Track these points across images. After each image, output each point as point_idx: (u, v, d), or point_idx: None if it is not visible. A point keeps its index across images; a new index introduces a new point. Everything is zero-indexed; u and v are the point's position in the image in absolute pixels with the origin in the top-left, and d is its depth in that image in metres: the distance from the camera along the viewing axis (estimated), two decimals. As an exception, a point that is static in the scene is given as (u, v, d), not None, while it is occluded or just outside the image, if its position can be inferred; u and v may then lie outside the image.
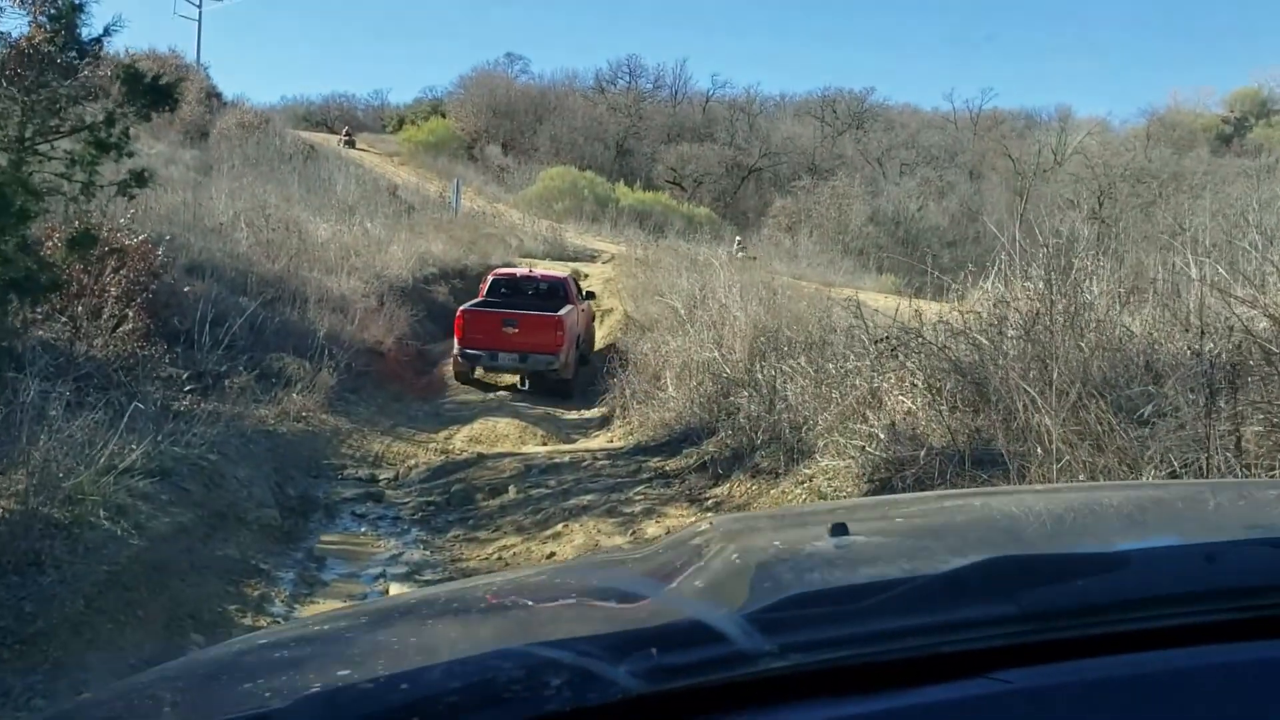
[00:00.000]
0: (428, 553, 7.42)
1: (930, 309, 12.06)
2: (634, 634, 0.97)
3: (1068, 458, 4.53)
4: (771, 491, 6.96)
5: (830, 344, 8.36)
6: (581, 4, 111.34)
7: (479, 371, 16.27)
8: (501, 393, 16.32)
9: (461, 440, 12.96)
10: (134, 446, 6.57)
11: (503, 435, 13.37)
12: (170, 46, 45.84)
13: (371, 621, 1.38)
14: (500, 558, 7.04)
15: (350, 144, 46.39)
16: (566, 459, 10.11)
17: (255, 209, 21.67)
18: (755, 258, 28.04)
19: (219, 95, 44.16)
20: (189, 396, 11.20)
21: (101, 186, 9.77)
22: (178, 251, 15.93)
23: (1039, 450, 4.78)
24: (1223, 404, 5.14)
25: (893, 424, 5.98)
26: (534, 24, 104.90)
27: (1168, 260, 8.77)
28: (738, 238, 34.45)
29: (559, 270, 19.86)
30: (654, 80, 66.04)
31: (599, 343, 19.10)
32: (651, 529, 7.00)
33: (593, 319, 19.20)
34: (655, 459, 9.40)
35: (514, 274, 18.26)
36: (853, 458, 6.24)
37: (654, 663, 0.89)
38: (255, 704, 0.95)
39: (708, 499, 7.55)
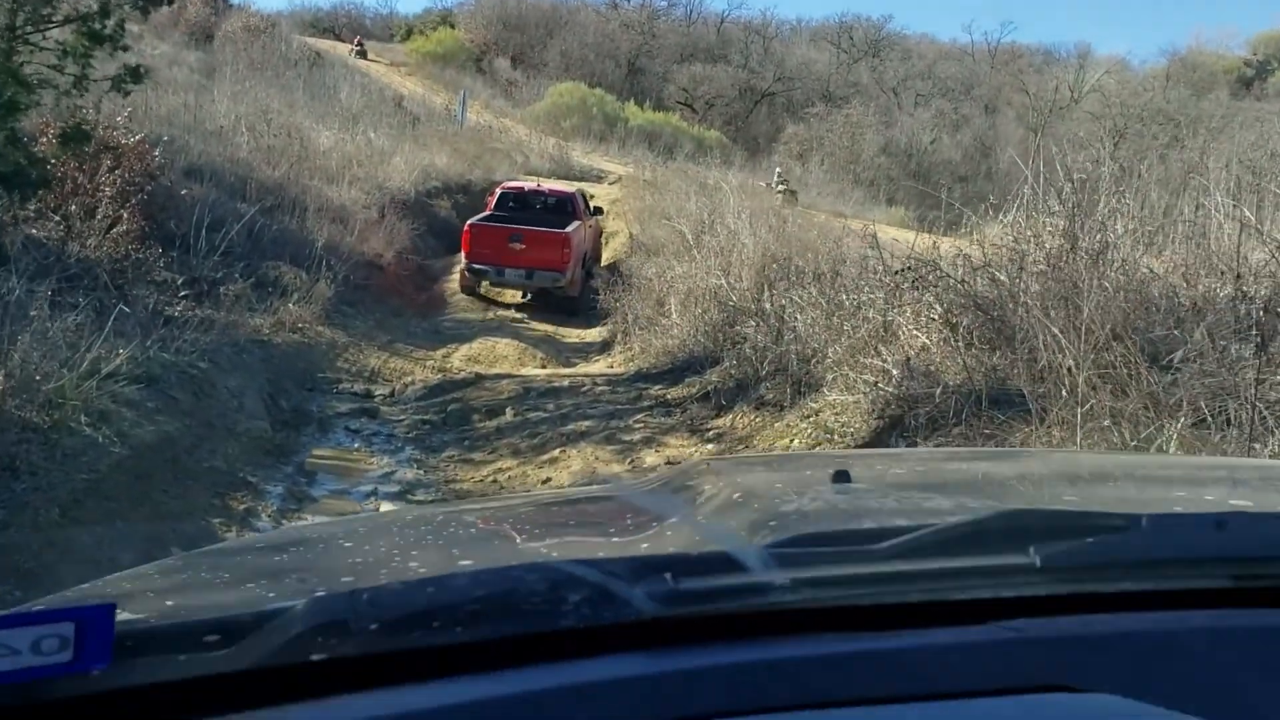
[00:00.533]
0: (421, 472, 7.25)
1: (943, 243, 11.78)
2: (653, 559, 0.99)
3: (1091, 401, 4.32)
4: (775, 424, 6.76)
5: (842, 275, 8.09)
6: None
7: (484, 286, 16.32)
8: (503, 311, 16.09)
9: (460, 359, 12.75)
10: (120, 351, 6.34)
11: (502, 356, 13.16)
12: (176, -56, 44.62)
13: (404, 527, 1.44)
14: (495, 480, 6.87)
15: (362, 54, 45.20)
16: (566, 383, 9.91)
17: (257, 114, 21.19)
18: (796, 192, 25.48)
19: (226, -2, 43.15)
20: (183, 302, 10.98)
21: (95, 81, 9.43)
22: (176, 154, 15.54)
23: (1062, 392, 4.56)
24: (1253, 351, 4.92)
25: (907, 360, 5.75)
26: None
27: (1193, 201, 8.48)
28: (778, 169, 30.87)
29: (567, 186, 19.63)
30: (669, -1, 64.48)
31: (604, 261, 18.94)
32: (650, 458, 6.82)
33: (600, 235, 19.11)
34: (656, 387, 9.19)
35: (522, 188, 18.07)
36: (862, 393, 6.03)
37: (670, 587, 0.89)
38: (288, 593, 0.96)
39: (709, 430, 7.36)
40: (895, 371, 5.90)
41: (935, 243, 8.76)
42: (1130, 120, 54.17)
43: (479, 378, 10.67)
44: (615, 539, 1.25)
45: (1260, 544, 1.03)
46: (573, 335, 15.66)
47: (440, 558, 1.20)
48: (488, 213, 17.16)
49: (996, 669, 0.88)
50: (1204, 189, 8.34)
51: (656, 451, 7.02)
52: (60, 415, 5.29)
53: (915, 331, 6.22)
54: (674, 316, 11.34)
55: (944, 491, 1.41)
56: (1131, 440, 4.21)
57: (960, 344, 5.85)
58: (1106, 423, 4.27)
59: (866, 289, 7.12)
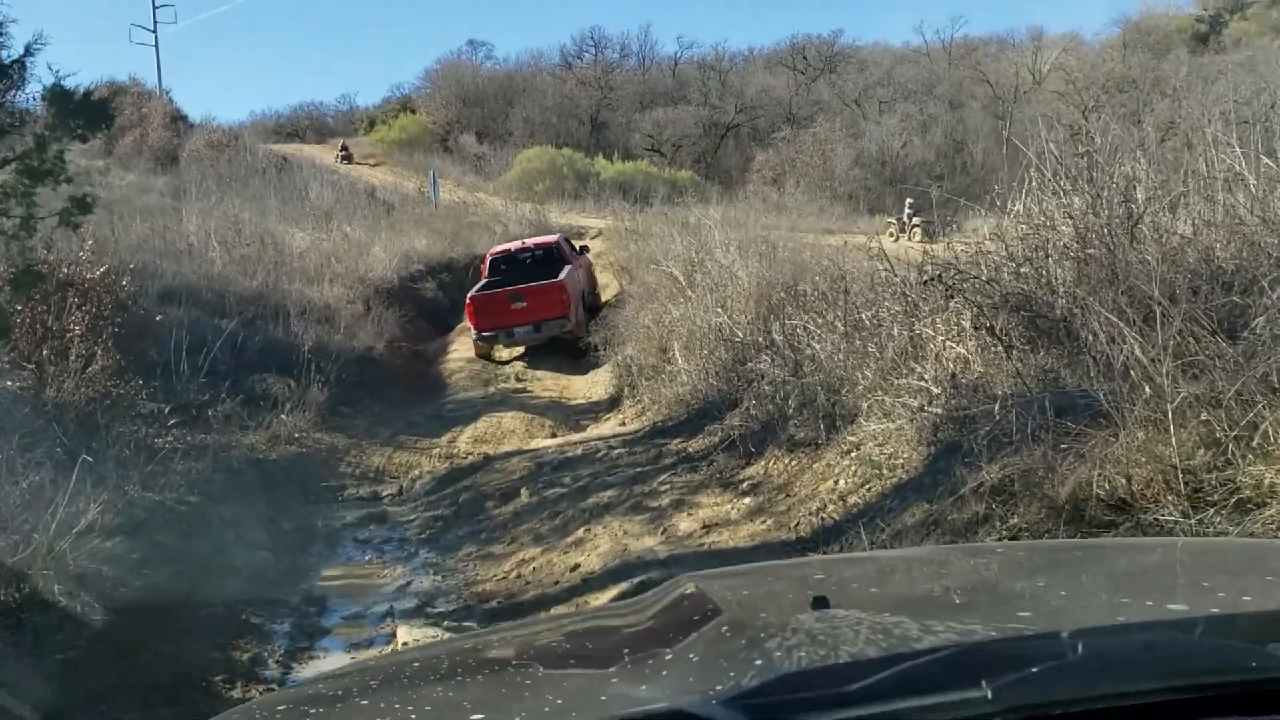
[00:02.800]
0: (439, 578, 6.66)
1: (936, 247, 11.27)
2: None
3: (1182, 393, 3.76)
4: (814, 466, 6.16)
5: (851, 294, 7.54)
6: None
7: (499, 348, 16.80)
8: (505, 384, 15.58)
9: (466, 442, 12.21)
10: (93, 504, 5.79)
11: (509, 431, 12.63)
12: (130, 75, 44.86)
13: (364, 685, 1.50)
14: (519, 575, 6.27)
15: (347, 158, 43.75)
16: (579, 451, 9.33)
17: (228, 226, 20.87)
18: (932, 223, 20.58)
19: (184, 118, 43.24)
20: (172, 431, 10.48)
21: (42, 219, 9.00)
22: (148, 280, 15.15)
23: (1144, 388, 4.00)
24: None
25: (953, 375, 5.20)
26: (492, 9, 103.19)
27: (1196, 158, 7.93)
28: (908, 201, 27.06)
29: (550, 236, 19.98)
30: (620, 49, 65.08)
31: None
32: (684, 523, 6.23)
33: (592, 270, 19.58)
34: (675, 440, 8.60)
35: (509, 249, 18.48)
36: (905, 419, 5.47)
37: None
38: None
39: (742, 482, 6.76)
40: (936, 390, 5.35)
41: (926, 249, 8.25)
42: (1096, 92, 54.13)
43: (488, 459, 10.11)
44: (589, 697, 1.26)
45: (1185, 663, 1.10)
46: (579, 396, 15.15)
47: (451, 713, 1.26)
48: (484, 281, 17.60)
49: None
50: (1213, 143, 7.79)
51: (689, 515, 6.41)
52: (29, 589, 4.74)
53: (948, 343, 5.68)
54: (680, 362, 10.80)
55: (911, 610, 1.47)
56: (1232, 430, 3.67)
57: (1002, 349, 5.31)
58: (1205, 415, 3.71)
59: (885, 303, 6.57)
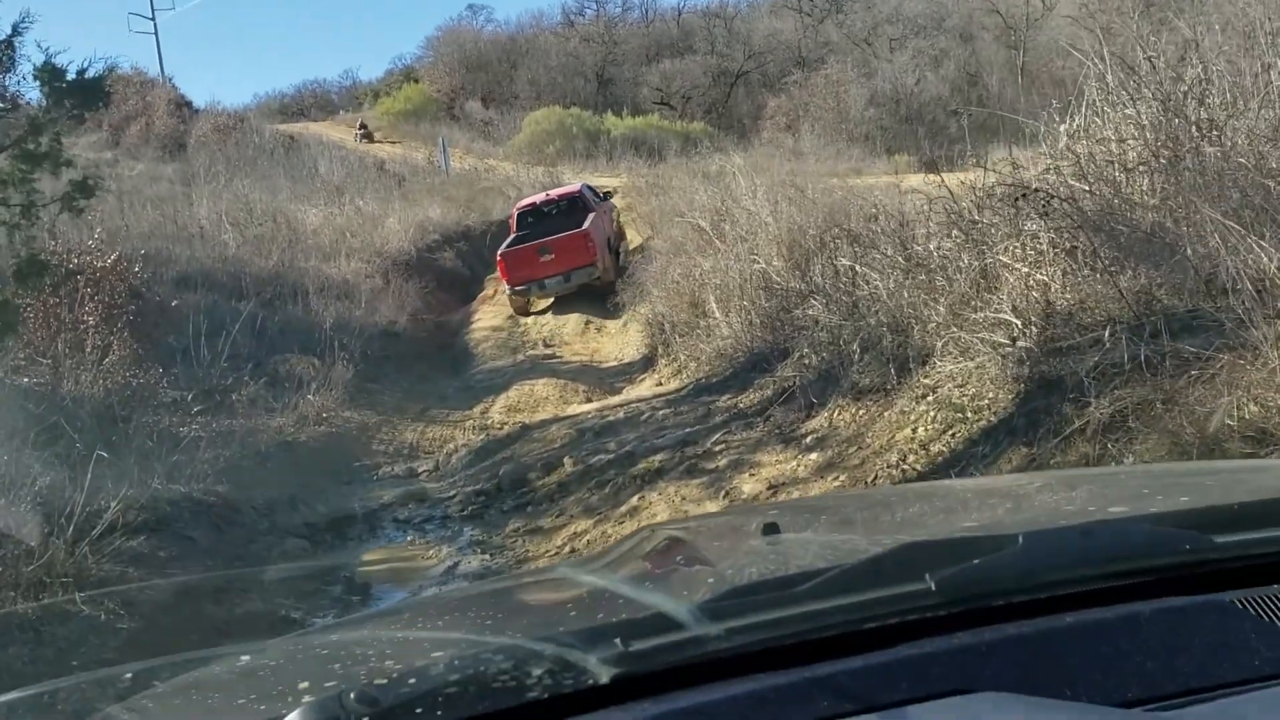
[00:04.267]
0: (487, 556, 6.25)
1: (967, 177, 10.71)
2: (603, 627, 1.12)
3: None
4: (886, 414, 5.66)
5: (906, 227, 7.01)
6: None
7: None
8: (532, 352, 15.18)
9: (499, 412, 11.81)
10: (112, 502, 5.41)
11: (542, 398, 12.22)
12: (132, 64, 44.27)
13: (388, 622, 1.66)
14: (573, 550, 5.85)
15: (367, 137, 41.88)
16: (621, 414, 8.88)
17: (239, 208, 20.47)
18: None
19: (189, 104, 42.68)
20: (196, 419, 10.14)
21: (44, 205, 8.60)
22: (163, 266, 14.81)
23: (1277, 301, 3.51)
24: None
25: (1046, 304, 4.67)
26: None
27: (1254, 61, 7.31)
28: None
29: (573, 186, 20.02)
30: (622, 3, 64.01)
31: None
32: (747, 485, 5.77)
33: (616, 216, 19.81)
34: (724, 396, 8.12)
35: (534, 202, 18.66)
36: (985, 356, 4.97)
37: (620, 651, 1.01)
38: (275, 707, 1.01)
39: (805, 436, 6.26)
40: (1019, 322, 4.83)
41: (965, 180, 7.71)
42: (1111, 15, 52.78)
43: (525, 429, 9.70)
44: (572, 613, 1.34)
45: (1120, 547, 1.16)
46: (610, 358, 14.73)
47: (416, 651, 1.29)
48: (512, 235, 17.89)
49: (905, 684, 0.98)
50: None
51: (750, 475, 5.95)
52: (49, 599, 4.36)
53: (1025, 269, 5.16)
54: (717, 315, 10.30)
55: (860, 532, 1.63)
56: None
57: (1090, 271, 4.79)
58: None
59: (949, 234, 6.02)
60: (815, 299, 7.61)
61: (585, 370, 13.82)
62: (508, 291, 16.95)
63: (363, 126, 43.00)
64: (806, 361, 7.20)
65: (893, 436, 5.36)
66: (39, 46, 8.49)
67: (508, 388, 12.88)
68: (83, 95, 8.93)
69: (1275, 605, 1.07)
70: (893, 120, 50.22)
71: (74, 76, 8.87)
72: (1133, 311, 4.13)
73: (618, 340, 15.58)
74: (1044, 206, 4.86)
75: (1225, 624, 1.05)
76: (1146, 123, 5.96)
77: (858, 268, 6.82)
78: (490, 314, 18.06)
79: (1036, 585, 1.08)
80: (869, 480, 5.13)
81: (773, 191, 13.25)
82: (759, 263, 9.79)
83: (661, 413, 8.39)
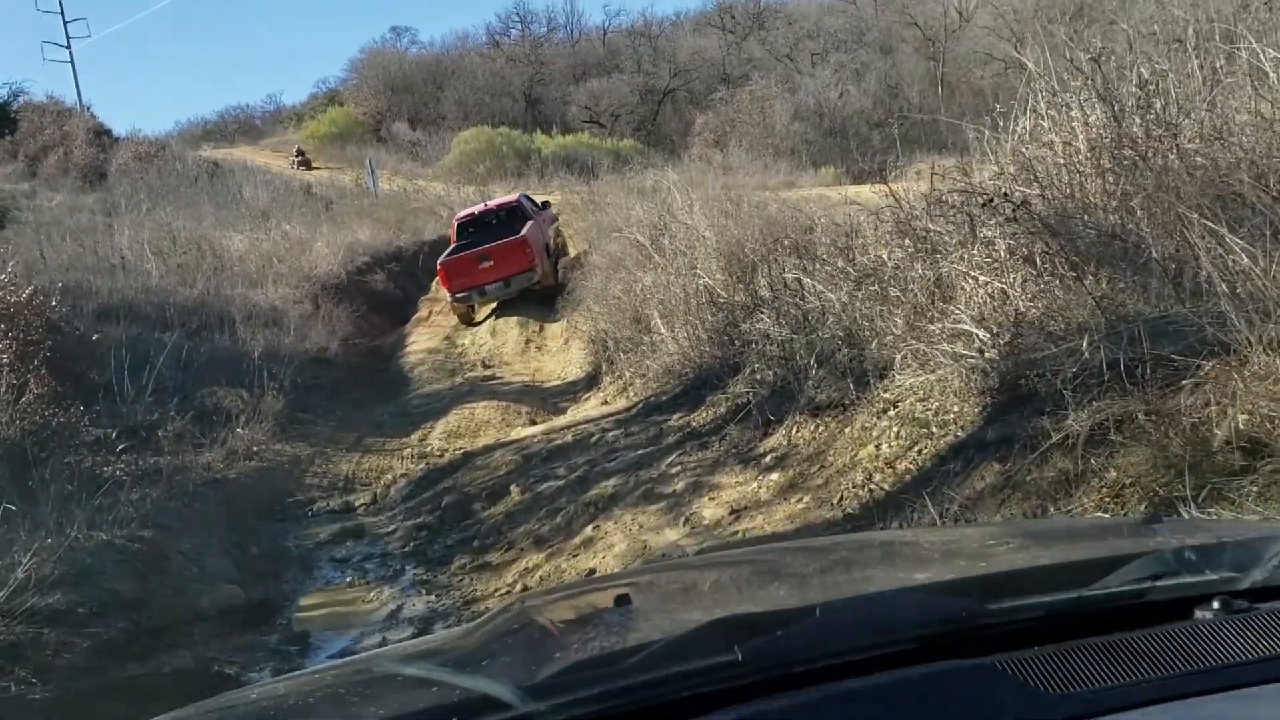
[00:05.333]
0: (432, 597, 5.91)
1: (912, 188, 10.68)
2: (438, 710, 1.19)
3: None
4: (846, 430, 5.45)
5: (853, 238, 6.85)
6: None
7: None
8: (471, 374, 14.83)
9: (439, 438, 11.45)
10: (25, 555, 4.98)
11: (484, 422, 11.88)
12: (48, 93, 43.03)
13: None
14: (525, 587, 5.55)
15: (305, 164, 40.44)
16: (569, 437, 8.58)
17: (162, 236, 19.81)
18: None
19: (109, 133, 41.54)
20: (121, 458, 9.64)
21: (-55, 239, 8.10)
22: (83, 298, 14.18)
23: (1262, 301, 3.36)
24: None
25: (1018, 313, 4.49)
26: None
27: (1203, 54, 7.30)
28: None
29: (511, 196, 20.64)
30: (547, 23, 64.26)
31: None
32: (708, 510, 5.52)
33: (555, 224, 20.40)
34: (675, 415, 7.87)
35: (473, 212, 19.14)
36: (947, 367, 4.79)
37: None
38: None
39: (764, 455, 6.03)
40: (982, 333, 4.66)
41: (895, 192, 7.61)
42: (1026, 23, 53.94)
43: (467, 456, 9.35)
44: (417, 696, 1.32)
45: (898, 618, 1.28)
46: (553, 377, 14.43)
47: None
48: (452, 245, 18.13)
49: None
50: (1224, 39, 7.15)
51: (711, 499, 5.70)
52: (-50, 672, 3.95)
53: (984, 278, 5.01)
54: (662, 331, 10.07)
55: (706, 601, 1.75)
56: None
57: (1054, 278, 4.64)
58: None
59: (898, 247, 5.83)
60: (763, 312, 7.41)
61: (528, 391, 13.51)
62: (449, 300, 17.19)
63: (300, 153, 41.72)
64: (759, 377, 6.98)
65: (855, 454, 5.16)
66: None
67: (447, 412, 12.52)
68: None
69: (1032, 666, 1.14)
70: (817, 134, 50.85)
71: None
72: (1104, 318, 3.97)
73: (559, 359, 15.29)
74: (1013, 211, 4.70)
75: (986, 685, 1.13)
76: (1094, 123, 5.87)
77: (805, 279, 6.63)
78: (426, 336, 17.65)
79: (828, 654, 1.18)
80: (835, 501, 4.93)
81: (708, 205, 13.09)
82: (702, 277, 9.58)
83: (612, 434, 8.11)
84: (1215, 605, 1.25)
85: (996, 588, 1.33)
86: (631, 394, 10.61)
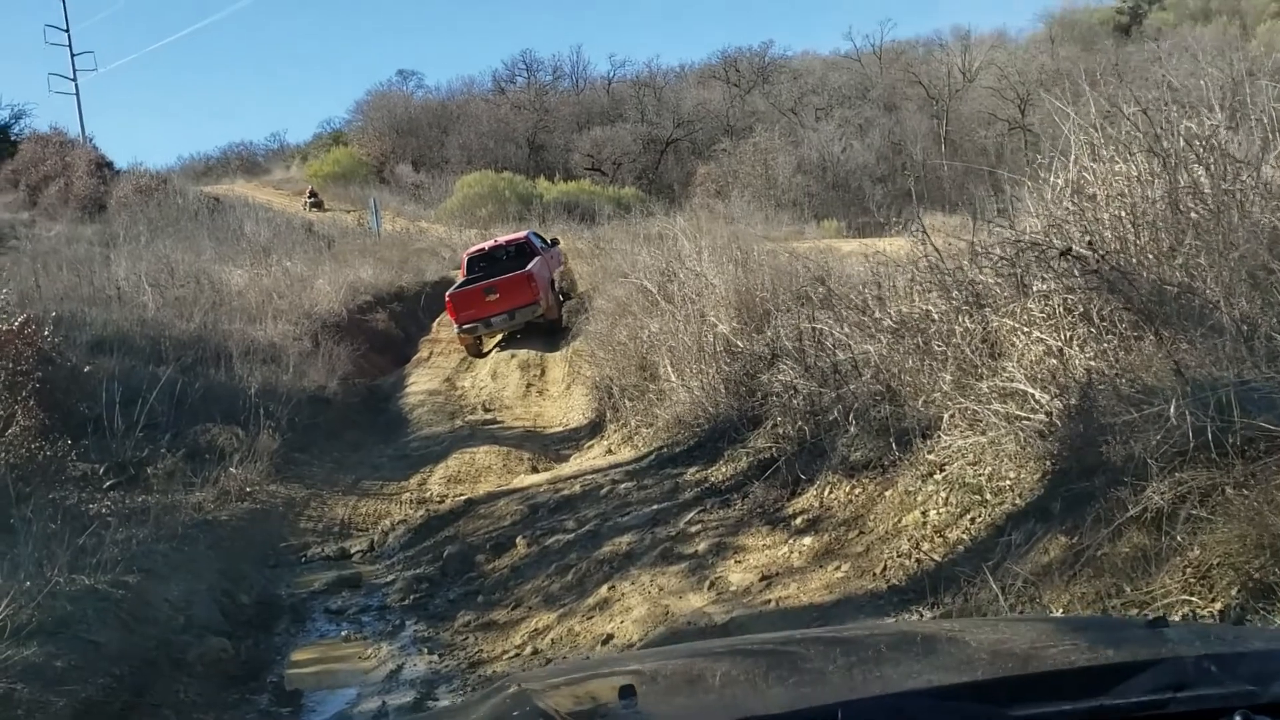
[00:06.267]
0: (434, 657, 5.53)
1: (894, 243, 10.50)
2: None
3: None
4: (887, 493, 5.11)
5: (884, 288, 6.55)
6: (465, 8, 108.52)
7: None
8: (471, 417, 14.49)
9: (438, 483, 11.09)
10: (2, 600, 4.61)
11: (485, 468, 11.53)
12: (52, 124, 42.98)
13: None
14: (535, 650, 5.17)
15: (317, 206, 39.62)
16: (577, 488, 8.22)
17: (160, 268, 19.53)
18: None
19: (110, 165, 41.36)
20: (109, 495, 9.27)
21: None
22: (76, 329, 13.84)
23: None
24: None
25: (1088, 373, 4.18)
26: (421, 39, 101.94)
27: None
28: None
29: (519, 233, 21.18)
30: (553, 72, 64.80)
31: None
32: (735, 575, 5.15)
33: (563, 261, 21.04)
34: (691, 468, 7.53)
35: (483, 248, 19.92)
36: (1002, 430, 4.47)
37: None
38: None
39: (793, 517, 5.67)
40: (1038, 393, 4.34)
41: (917, 244, 7.36)
42: (1029, 85, 54.42)
43: (470, 504, 8.98)
44: None
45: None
46: (555, 423, 14.11)
47: None
48: (461, 279, 19.00)
49: None
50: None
51: (737, 562, 5.34)
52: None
53: (1038, 334, 4.70)
54: (672, 379, 9.76)
55: (716, 691, 1.73)
56: None
57: (1116, 336, 4.34)
58: None
59: (941, 299, 5.52)
60: (785, 363, 7.09)
61: (529, 436, 13.17)
62: (456, 330, 17.68)
63: (312, 195, 41.27)
64: (781, 431, 6.65)
65: (899, 520, 4.82)
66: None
67: (446, 456, 12.17)
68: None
69: None
70: (820, 187, 51.13)
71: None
72: (1187, 382, 3.66)
73: (561, 404, 14.98)
74: (1086, 264, 4.41)
75: None
76: (1143, 176, 5.61)
77: (831, 329, 6.32)
78: (426, 377, 17.34)
79: None
80: (878, 571, 4.58)
81: (717, 253, 12.86)
82: (716, 325, 9.29)
83: (623, 486, 7.75)
84: (1236, 719, 1.23)
85: (1020, 691, 1.34)
86: (638, 443, 10.28)
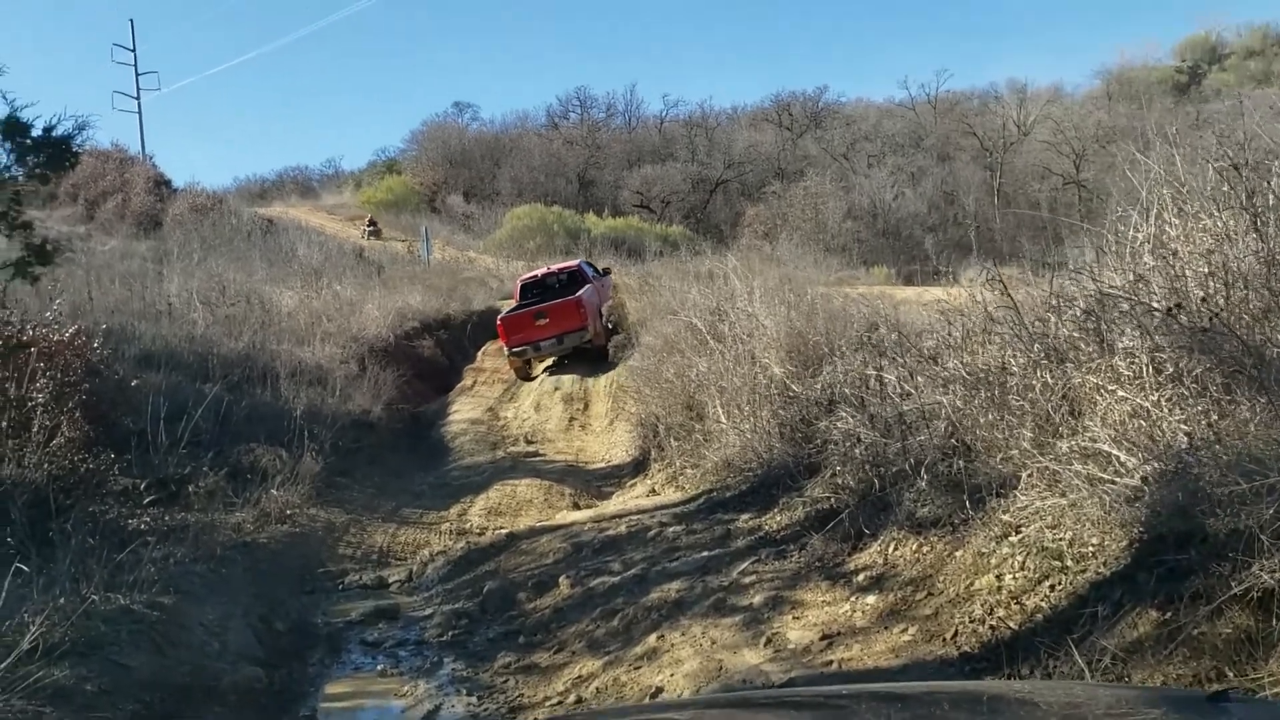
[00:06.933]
0: (473, 699, 5.32)
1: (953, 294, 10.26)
2: None
3: None
4: (958, 553, 4.84)
5: (954, 335, 6.31)
6: (522, 44, 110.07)
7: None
8: (513, 448, 14.35)
9: (479, 514, 10.92)
10: (36, 617, 4.48)
11: (526, 501, 11.35)
12: (113, 141, 43.82)
13: None
14: (579, 698, 4.95)
15: (376, 234, 39.78)
16: (623, 528, 7.99)
17: (211, 285, 19.67)
18: None
19: (168, 183, 42.10)
20: (148, 511, 9.20)
21: (-4, 269, 7.80)
22: (125, 342, 13.89)
23: None
24: None
25: (1189, 438, 3.93)
26: (478, 72, 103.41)
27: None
28: None
29: (572, 261, 21.88)
30: (606, 109, 65.37)
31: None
32: (794, 631, 4.90)
33: (613, 289, 21.69)
34: (743, 515, 7.29)
35: (536, 275, 20.48)
36: (1084, 492, 4.21)
37: None
38: None
39: (855, 573, 5.40)
40: (1124, 456, 4.09)
41: (971, 294, 7.11)
42: (1086, 142, 53.94)
43: (511, 538, 8.79)
44: None
45: None
46: (597, 458, 13.91)
47: None
48: (514, 304, 19.64)
49: None
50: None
51: (795, 618, 5.09)
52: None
53: (1123, 393, 4.45)
54: (722, 420, 9.54)
55: None
56: None
57: (1208, 399, 4.09)
58: None
59: (1019, 352, 5.27)
60: (845, 410, 6.86)
61: (571, 471, 12.98)
62: (506, 353, 18.24)
63: (372, 223, 41.57)
64: (841, 481, 6.41)
65: (971, 583, 4.56)
66: (4, 98, 7.68)
67: (487, 487, 12.01)
68: (49, 153, 8.20)
69: None
70: (870, 233, 50.90)
71: (40, 133, 8.16)
72: (1293, 451, 3.41)
73: (604, 439, 14.80)
74: (1193, 323, 4.16)
75: None
76: (1234, 233, 5.35)
77: (906, 382, 6.08)
78: (469, 405, 17.26)
79: None
80: (948, 636, 4.32)
81: (769, 295, 12.65)
82: (771, 368, 9.08)
83: (671, 530, 7.52)
84: None
85: None
86: (684, 484, 10.06)
